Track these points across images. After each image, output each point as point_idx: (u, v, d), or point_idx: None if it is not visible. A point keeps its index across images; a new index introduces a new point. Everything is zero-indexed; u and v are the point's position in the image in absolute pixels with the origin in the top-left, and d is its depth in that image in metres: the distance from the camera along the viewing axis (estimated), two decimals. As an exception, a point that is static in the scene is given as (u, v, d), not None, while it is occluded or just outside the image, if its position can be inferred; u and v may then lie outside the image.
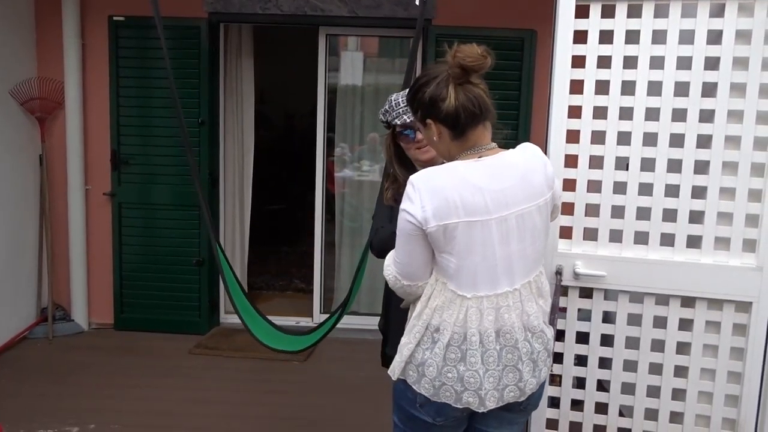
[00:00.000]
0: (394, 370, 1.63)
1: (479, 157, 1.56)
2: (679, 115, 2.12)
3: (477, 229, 1.51)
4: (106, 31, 4.11)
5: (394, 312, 1.90)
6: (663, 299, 2.18)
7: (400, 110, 1.91)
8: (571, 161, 2.19)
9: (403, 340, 1.63)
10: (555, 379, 2.32)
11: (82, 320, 4.32)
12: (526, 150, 1.63)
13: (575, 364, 2.30)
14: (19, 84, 3.96)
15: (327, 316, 2.92)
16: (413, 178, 1.54)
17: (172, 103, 2.56)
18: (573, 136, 2.18)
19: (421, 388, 1.57)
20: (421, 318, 1.59)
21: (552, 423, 2.32)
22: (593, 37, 2.15)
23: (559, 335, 2.25)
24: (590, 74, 2.16)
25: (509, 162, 1.56)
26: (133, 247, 4.27)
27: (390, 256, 1.66)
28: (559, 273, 2.19)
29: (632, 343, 2.23)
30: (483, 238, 1.51)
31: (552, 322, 2.17)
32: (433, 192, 1.50)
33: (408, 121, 1.88)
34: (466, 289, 1.54)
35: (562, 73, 2.15)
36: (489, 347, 1.54)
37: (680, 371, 2.21)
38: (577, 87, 2.16)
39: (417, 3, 2.34)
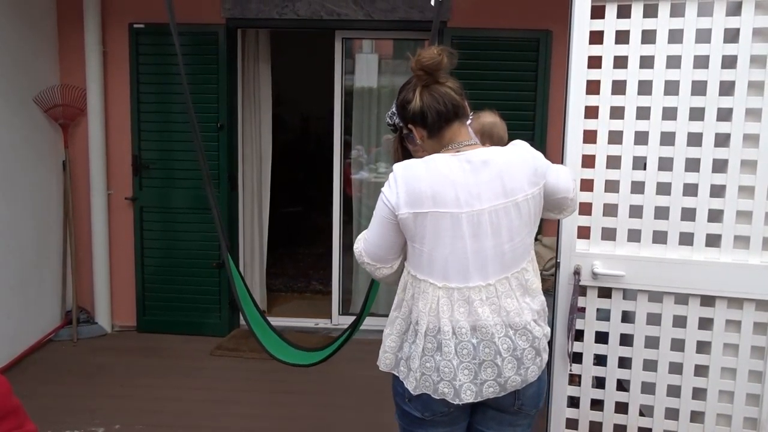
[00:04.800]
0: (383, 363, 1.71)
1: (457, 152, 1.62)
2: (697, 114, 2.11)
3: (446, 220, 1.56)
4: (127, 39, 4.18)
5: None
6: (682, 298, 2.18)
7: None
8: (588, 161, 2.20)
9: (385, 330, 1.72)
10: (574, 379, 2.32)
11: (105, 323, 4.39)
12: (512, 148, 1.66)
13: (595, 364, 2.30)
14: (43, 91, 4.04)
15: (343, 328, 2.87)
16: (395, 167, 1.63)
17: (186, 108, 2.58)
18: (590, 136, 2.19)
19: (408, 383, 1.63)
20: (400, 309, 1.67)
21: (572, 423, 2.33)
22: (609, 37, 2.16)
23: (579, 335, 2.26)
24: (607, 74, 2.17)
25: (487, 158, 1.59)
26: (154, 250, 4.33)
27: (363, 233, 1.73)
28: (577, 273, 2.19)
29: (652, 342, 2.23)
30: (453, 230, 1.56)
31: (570, 322, 2.19)
32: (408, 181, 1.58)
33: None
34: (437, 278, 1.59)
35: (578, 74, 2.15)
36: (463, 339, 1.57)
37: (700, 370, 2.20)
38: (593, 87, 2.17)
39: (432, 3, 2.34)
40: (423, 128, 1.65)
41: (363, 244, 1.70)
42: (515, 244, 1.59)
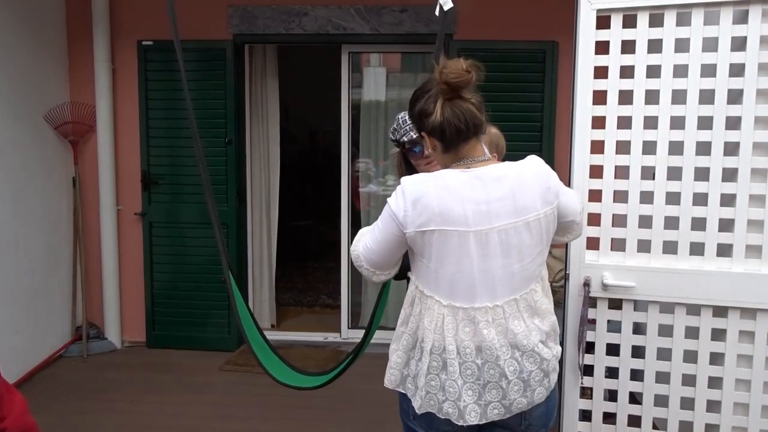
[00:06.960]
0: (389, 380, 1.68)
1: (467, 168, 1.57)
2: (705, 122, 2.10)
3: (453, 238, 1.51)
4: (135, 56, 4.22)
5: None
6: (694, 309, 2.15)
7: (407, 127, 1.93)
8: (596, 171, 2.18)
9: (392, 346, 1.68)
10: (586, 392, 2.30)
11: (115, 338, 4.40)
12: (526, 163, 1.60)
13: (606, 377, 2.27)
14: (53, 109, 4.08)
15: (352, 342, 2.82)
16: (404, 181, 1.58)
17: (189, 123, 2.56)
18: (598, 147, 2.18)
19: (414, 401, 1.61)
20: (407, 324, 1.64)
21: (584, 436, 2.30)
22: (615, 47, 2.15)
23: (589, 347, 2.23)
24: (613, 84, 2.16)
25: (499, 175, 1.54)
26: (163, 265, 4.34)
27: (364, 235, 1.68)
28: (587, 284, 2.17)
29: (664, 354, 2.20)
30: (460, 249, 1.52)
31: (581, 334, 2.17)
32: (417, 196, 1.53)
33: (414, 137, 1.90)
34: (443, 296, 1.56)
35: (584, 84, 2.15)
36: (467, 359, 1.54)
37: (714, 382, 2.17)
38: (600, 97, 2.16)
39: (437, 13, 2.33)
40: (439, 141, 1.58)
41: (363, 249, 1.65)
42: (525, 265, 1.55)
